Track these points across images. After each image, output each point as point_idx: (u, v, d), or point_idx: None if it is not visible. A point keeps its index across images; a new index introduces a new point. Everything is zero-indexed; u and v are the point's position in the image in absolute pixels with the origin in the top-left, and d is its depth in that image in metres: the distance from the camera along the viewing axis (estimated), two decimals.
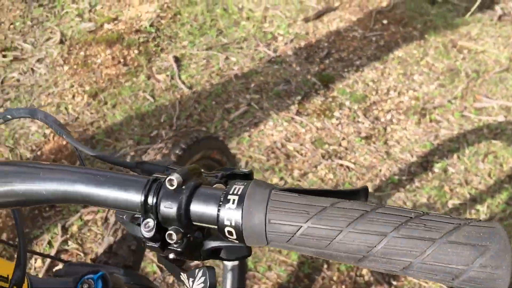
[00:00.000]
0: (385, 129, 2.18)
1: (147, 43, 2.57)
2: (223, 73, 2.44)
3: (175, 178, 0.38)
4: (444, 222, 0.36)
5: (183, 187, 0.39)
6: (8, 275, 0.52)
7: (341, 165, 2.01)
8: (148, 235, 0.38)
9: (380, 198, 1.90)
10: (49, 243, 1.72)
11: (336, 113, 2.24)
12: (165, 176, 0.39)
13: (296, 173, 1.97)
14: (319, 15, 2.84)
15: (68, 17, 2.74)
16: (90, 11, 2.78)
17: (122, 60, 2.46)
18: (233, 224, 0.37)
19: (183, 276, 0.41)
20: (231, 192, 0.38)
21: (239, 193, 0.38)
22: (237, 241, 0.38)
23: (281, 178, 1.95)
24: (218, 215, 0.38)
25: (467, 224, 0.36)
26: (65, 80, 2.36)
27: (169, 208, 0.38)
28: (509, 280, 0.35)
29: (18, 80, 2.36)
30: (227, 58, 2.52)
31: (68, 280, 0.61)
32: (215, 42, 2.61)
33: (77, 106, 2.22)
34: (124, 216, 0.41)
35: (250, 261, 1.68)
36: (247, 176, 0.42)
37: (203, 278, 0.40)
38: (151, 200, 0.38)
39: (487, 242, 0.35)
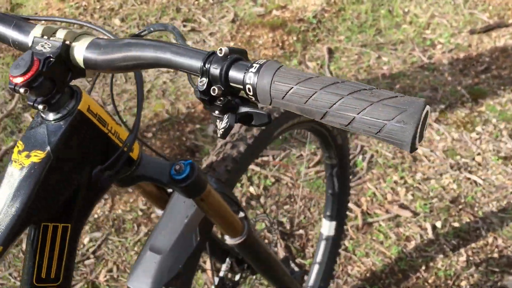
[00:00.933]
0: None
1: (307, 32, 2.74)
2: (371, 70, 2.50)
3: (223, 48, 0.52)
4: (387, 94, 0.45)
5: (229, 56, 0.52)
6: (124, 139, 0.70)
7: (469, 178, 1.95)
8: (201, 88, 0.52)
9: (502, 219, 1.80)
10: None
11: (478, 128, 2.15)
12: None
13: (418, 176, 1.97)
14: (487, 29, 2.72)
15: (244, 1, 3.03)
16: None
17: (280, 44, 2.67)
18: (251, 82, 0.50)
19: (217, 121, 0.54)
20: (256, 63, 0.50)
21: (260, 63, 0.50)
22: (253, 98, 0.50)
23: (402, 178, 1.96)
24: (244, 76, 0.51)
25: (402, 97, 0.44)
26: None
27: (215, 69, 0.52)
28: (412, 134, 0.44)
29: None
30: (379, 57, 2.56)
31: (167, 162, 0.78)
32: (371, 40, 2.67)
33: None
34: (197, 86, 0.55)
35: (349, 244, 1.75)
36: None
37: (227, 120, 0.53)
38: (207, 65, 0.52)
39: (407, 106, 0.45)
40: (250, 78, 0.50)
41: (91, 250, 1.78)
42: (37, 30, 0.61)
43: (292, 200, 1.94)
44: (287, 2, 2.96)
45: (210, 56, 0.53)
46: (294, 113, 1.02)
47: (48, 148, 0.60)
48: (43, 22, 0.67)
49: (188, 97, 2.39)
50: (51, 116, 0.62)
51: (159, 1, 3.05)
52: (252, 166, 2.02)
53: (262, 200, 1.93)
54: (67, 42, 0.60)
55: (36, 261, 0.64)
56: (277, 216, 1.88)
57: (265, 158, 2.06)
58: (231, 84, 0.52)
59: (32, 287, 0.65)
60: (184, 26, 2.86)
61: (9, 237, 0.59)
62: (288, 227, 1.84)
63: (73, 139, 0.63)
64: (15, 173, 0.60)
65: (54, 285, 0.66)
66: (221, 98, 0.52)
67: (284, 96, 0.48)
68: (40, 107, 0.59)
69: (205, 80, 0.52)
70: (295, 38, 2.71)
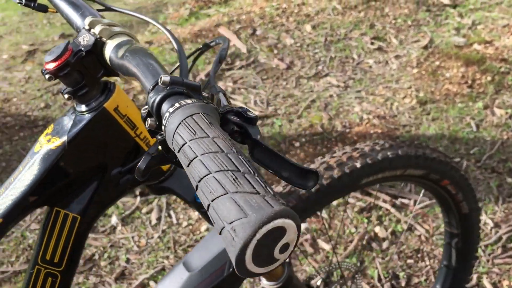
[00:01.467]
0: None
1: (506, 75, 2.38)
2: None
3: (164, 77, 0.44)
4: (252, 186, 0.33)
5: (168, 88, 0.44)
6: None
7: None
8: (143, 116, 0.46)
9: None
10: None
11: None
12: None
13: None
14: None
15: (445, 28, 2.77)
16: (469, 28, 2.74)
17: (469, 82, 2.37)
18: (164, 124, 0.42)
19: None
20: (181, 102, 0.41)
21: (182, 104, 0.41)
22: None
23: None
24: (166, 114, 0.42)
25: (266, 196, 0.31)
26: (407, 80, 2.45)
27: (151, 99, 0.45)
28: (237, 252, 0.33)
29: (370, 66, 2.59)
30: None
31: None
32: None
33: (402, 106, 2.29)
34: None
35: None
36: (250, 120, 0.43)
37: (142, 159, 0.46)
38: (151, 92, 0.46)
39: (252, 212, 0.32)
40: (166, 118, 0.42)
41: (200, 236, 1.84)
42: (87, 21, 0.62)
43: (419, 255, 1.71)
44: (494, 38, 2.61)
45: (157, 84, 0.46)
46: (394, 162, 0.87)
47: (66, 138, 0.62)
48: (95, 15, 0.68)
49: (348, 115, 2.29)
50: (81, 108, 0.63)
51: (356, 15, 2.98)
52: (387, 205, 1.84)
53: (385, 244, 1.75)
54: (103, 39, 0.59)
55: (44, 242, 0.66)
56: (395, 267, 1.68)
57: (405, 201, 1.86)
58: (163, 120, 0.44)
59: (36, 265, 0.67)
60: (372, 43, 2.74)
61: (12, 212, 0.62)
62: (403, 283, 1.63)
63: (92, 134, 0.63)
64: (34, 153, 0.63)
65: (55, 269, 0.67)
66: (162, 133, 0.45)
67: (179, 151, 0.40)
68: (66, 96, 0.61)
69: (147, 108, 0.46)
70: (489, 78, 2.37)
